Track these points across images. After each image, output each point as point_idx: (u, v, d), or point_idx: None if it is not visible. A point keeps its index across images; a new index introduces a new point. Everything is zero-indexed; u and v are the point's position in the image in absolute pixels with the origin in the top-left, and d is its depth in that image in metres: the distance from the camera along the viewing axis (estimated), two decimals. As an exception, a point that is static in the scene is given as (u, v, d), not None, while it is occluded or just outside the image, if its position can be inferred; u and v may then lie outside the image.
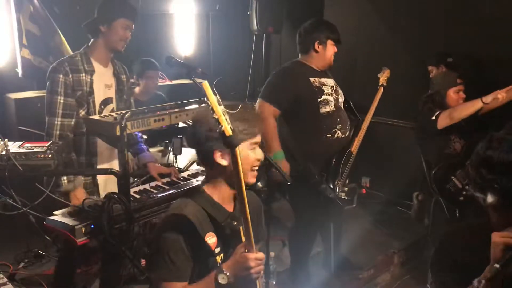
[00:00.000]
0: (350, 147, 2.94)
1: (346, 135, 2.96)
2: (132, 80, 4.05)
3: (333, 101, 2.88)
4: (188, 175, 2.88)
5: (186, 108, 2.64)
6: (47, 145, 2.13)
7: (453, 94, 3.24)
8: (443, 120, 3.13)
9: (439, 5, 4.12)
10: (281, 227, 4.04)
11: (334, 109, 2.87)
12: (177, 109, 2.57)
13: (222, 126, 1.30)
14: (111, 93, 2.68)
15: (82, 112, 2.54)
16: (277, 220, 4.13)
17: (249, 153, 1.62)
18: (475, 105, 3.04)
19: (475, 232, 1.59)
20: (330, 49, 2.92)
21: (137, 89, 3.87)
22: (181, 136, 3.02)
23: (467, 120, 3.17)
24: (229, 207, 1.70)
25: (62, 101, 2.48)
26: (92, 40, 2.62)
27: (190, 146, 1.72)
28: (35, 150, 2.08)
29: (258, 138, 1.64)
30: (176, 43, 5.17)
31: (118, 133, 2.18)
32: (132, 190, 2.50)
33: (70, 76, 2.48)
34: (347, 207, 2.99)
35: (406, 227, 4.17)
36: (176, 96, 4.02)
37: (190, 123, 1.65)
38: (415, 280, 3.40)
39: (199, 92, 2.69)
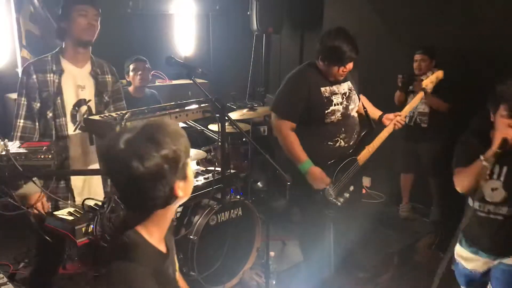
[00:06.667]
0: (356, 154, 2.86)
1: (350, 144, 2.89)
2: (124, 80, 4.05)
3: (341, 110, 2.80)
4: (188, 175, 2.88)
5: (186, 108, 2.64)
6: (47, 145, 2.13)
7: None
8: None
9: (439, 5, 4.12)
10: (281, 227, 4.05)
11: (340, 118, 2.81)
12: (177, 109, 2.57)
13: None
14: (85, 95, 2.56)
15: (50, 114, 2.46)
16: (277, 220, 4.13)
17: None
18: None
19: None
20: (334, 69, 2.73)
21: (130, 88, 3.87)
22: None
23: None
24: (163, 248, 1.41)
25: (25, 103, 2.43)
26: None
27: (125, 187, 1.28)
28: (35, 150, 2.08)
29: None
30: (176, 43, 5.17)
31: (118, 133, 2.18)
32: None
33: (34, 76, 2.41)
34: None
35: (406, 227, 4.17)
36: (176, 96, 4.02)
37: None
38: (415, 280, 3.40)
39: (199, 92, 2.71)
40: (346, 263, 3.36)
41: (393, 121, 2.93)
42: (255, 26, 4.97)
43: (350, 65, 2.70)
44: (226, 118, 2.72)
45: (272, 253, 3.18)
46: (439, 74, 3.04)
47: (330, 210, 2.88)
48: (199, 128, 3.65)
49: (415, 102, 3.07)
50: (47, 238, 2.20)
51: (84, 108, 2.56)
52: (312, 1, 5.24)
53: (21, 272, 3.25)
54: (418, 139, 4.01)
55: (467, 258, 2.31)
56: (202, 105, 2.69)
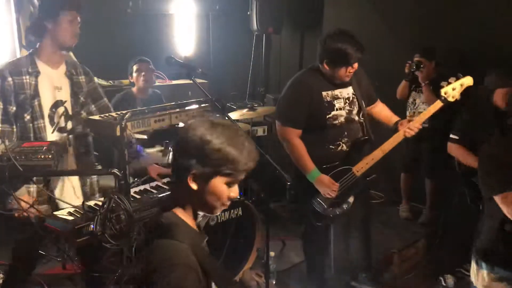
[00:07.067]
0: (352, 163, 2.77)
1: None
2: (125, 81, 4.03)
3: (344, 114, 2.77)
4: (188, 175, 2.88)
5: (186, 108, 2.64)
6: (47, 145, 2.13)
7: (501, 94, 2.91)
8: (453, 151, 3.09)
9: (440, 4, 4.12)
10: (280, 227, 4.05)
11: (343, 121, 2.77)
12: (177, 110, 2.58)
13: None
14: (61, 96, 2.53)
15: (27, 117, 2.41)
16: (277, 220, 4.14)
17: (224, 190, 1.39)
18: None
19: None
20: (341, 71, 2.66)
21: (134, 88, 3.87)
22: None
23: None
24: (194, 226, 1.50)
25: (1, 106, 2.38)
26: (39, 42, 2.49)
27: (174, 153, 1.45)
28: (35, 150, 2.08)
29: (243, 176, 1.42)
30: (176, 43, 5.17)
31: (118, 133, 2.18)
32: (132, 190, 2.50)
33: (10, 79, 2.36)
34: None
35: (406, 227, 4.17)
36: (176, 96, 4.03)
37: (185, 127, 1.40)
38: (415, 280, 3.41)
39: (199, 92, 2.71)
40: (346, 263, 3.36)
41: (404, 127, 2.74)
42: (255, 26, 4.97)
43: (355, 65, 2.67)
44: (226, 118, 2.72)
45: (272, 253, 3.18)
46: (466, 80, 2.68)
47: (318, 223, 2.83)
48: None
49: (431, 111, 2.75)
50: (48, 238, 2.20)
51: (61, 110, 2.53)
52: (312, 1, 5.24)
53: (21, 272, 3.24)
54: (419, 139, 4.01)
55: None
56: (202, 105, 2.70)
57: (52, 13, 2.41)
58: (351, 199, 2.82)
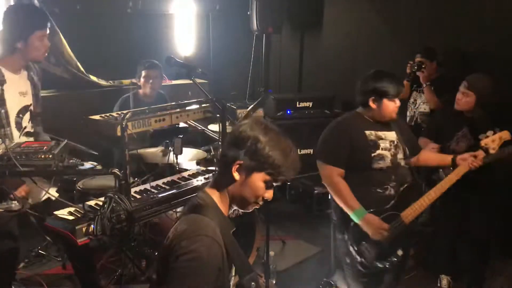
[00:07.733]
0: (399, 209, 2.59)
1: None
2: (126, 81, 4.02)
3: (389, 156, 2.64)
4: (189, 175, 2.88)
5: (187, 108, 2.65)
6: (47, 145, 2.14)
7: None
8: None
9: (439, 5, 4.12)
10: (281, 227, 4.05)
11: (390, 164, 2.64)
12: (178, 109, 2.59)
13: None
14: (27, 100, 2.54)
15: None
16: (277, 220, 4.14)
17: (262, 187, 1.52)
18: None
19: None
20: (388, 105, 2.61)
21: (140, 90, 3.87)
22: (181, 136, 3.02)
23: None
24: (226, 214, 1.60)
25: None
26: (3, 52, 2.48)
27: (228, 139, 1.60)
28: (35, 150, 2.08)
29: (280, 182, 1.54)
30: (176, 43, 5.17)
31: (118, 133, 2.19)
32: (132, 190, 2.51)
33: None
34: None
35: (406, 227, 4.17)
36: (176, 96, 4.03)
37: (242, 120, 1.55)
38: (415, 279, 3.41)
39: (199, 92, 2.71)
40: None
41: (466, 161, 2.70)
42: (255, 26, 4.97)
43: (398, 98, 2.65)
44: (226, 118, 2.72)
45: (272, 253, 3.18)
46: (504, 134, 2.76)
47: (364, 279, 2.65)
48: (199, 128, 3.66)
49: (460, 173, 2.73)
50: (47, 237, 2.20)
51: (28, 114, 2.54)
52: (312, 1, 5.25)
53: (21, 272, 3.25)
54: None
55: None
56: (202, 105, 2.70)
57: (24, 36, 2.41)
58: (400, 252, 2.58)
